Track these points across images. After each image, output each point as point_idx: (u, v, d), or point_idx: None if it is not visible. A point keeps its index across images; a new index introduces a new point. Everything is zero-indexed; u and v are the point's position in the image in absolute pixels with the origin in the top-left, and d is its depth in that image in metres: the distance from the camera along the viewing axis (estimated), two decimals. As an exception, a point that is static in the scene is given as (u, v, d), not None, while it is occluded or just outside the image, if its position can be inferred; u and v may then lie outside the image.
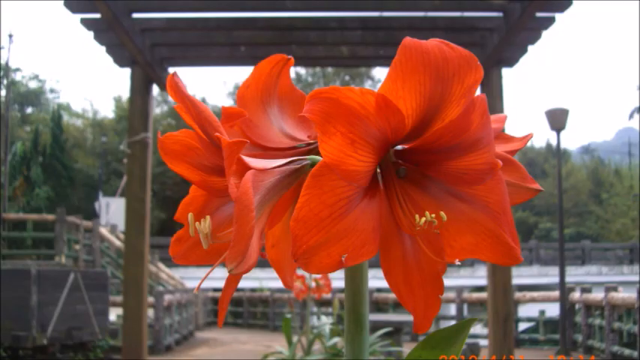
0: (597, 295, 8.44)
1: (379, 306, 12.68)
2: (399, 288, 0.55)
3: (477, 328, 8.82)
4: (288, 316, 4.35)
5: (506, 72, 7.72)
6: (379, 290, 12.62)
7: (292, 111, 0.67)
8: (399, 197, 0.55)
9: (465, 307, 11.55)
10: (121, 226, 8.80)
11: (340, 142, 0.48)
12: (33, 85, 36.09)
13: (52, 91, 37.87)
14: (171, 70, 3.40)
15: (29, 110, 35.74)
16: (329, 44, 5.45)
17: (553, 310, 10.05)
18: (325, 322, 4.79)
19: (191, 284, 14.40)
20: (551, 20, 4.74)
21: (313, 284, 4.18)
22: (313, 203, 0.48)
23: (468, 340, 5.58)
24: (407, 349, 4.41)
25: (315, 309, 11.19)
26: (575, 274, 19.23)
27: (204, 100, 20.15)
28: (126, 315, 5.27)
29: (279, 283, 1.29)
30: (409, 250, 0.55)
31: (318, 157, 0.56)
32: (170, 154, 0.61)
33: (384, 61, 5.69)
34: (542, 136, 45.57)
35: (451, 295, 11.08)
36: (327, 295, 4.96)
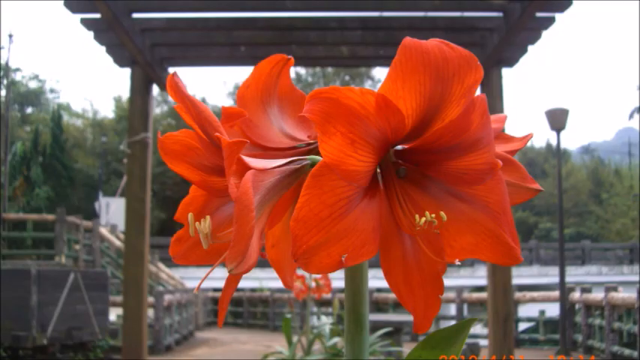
0: (597, 295, 8.44)
1: (379, 306, 12.68)
2: (399, 288, 0.55)
3: (477, 328, 8.82)
4: (288, 316, 4.35)
5: (506, 72, 7.72)
6: (379, 290, 12.62)
7: (292, 111, 0.67)
8: (399, 197, 0.55)
9: (465, 307, 11.55)
10: (121, 226, 8.81)
11: (340, 142, 0.48)
12: (33, 85, 36.11)
13: (52, 91, 37.91)
14: (171, 70, 3.40)
15: (29, 110, 35.74)
16: (329, 44, 5.45)
17: (553, 310, 10.05)
18: (325, 322, 4.79)
19: (191, 284, 14.40)
20: (551, 20, 4.74)
21: (313, 284, 4.18)
22: (313, 203, 0.48)
23: (468, 340, 5.58)
24: (407, 349, 4.41)
25: (315, 309, 11.19)
26: (575, 274, 19.23)
27: (204, 100, 20.15)
28: (126, 315, 5.27)
29: (279, 283, 1.29)
30: (409, 250, 0.55)
31: (318, 157, 0.56)
32: (170, 154, 0.61)
33: (384, 61, 5.69)
34: (542, 136, 45.62)
35: (451, 295, 11.08)
36: (327, 295, 4.96)
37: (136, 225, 5.18)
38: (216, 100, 40.63)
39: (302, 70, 32.11)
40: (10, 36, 21.57)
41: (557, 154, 9.58)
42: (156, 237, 18.45)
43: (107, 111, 44.46)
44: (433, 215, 0.52)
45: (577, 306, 9.22)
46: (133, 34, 4.74)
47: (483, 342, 6.52)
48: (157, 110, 30.17)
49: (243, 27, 5.20)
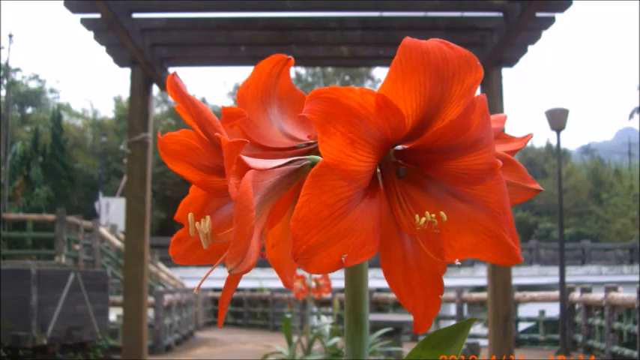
0: (597, 295, 8.44)
1: (379, 306, 12.68)
2: (399, 288, 0.55)
3: (477, 328, 8.82)
4: (288, 316, 4.35)
5: (506, 72, 7.72)
6: (379, 290, 12.62)
7: (292, 111, 0.67)
8: (399, 197, 0.55)
9: (465, 307, 11.55)
10: (121, 226, 8.80)
11: (340, 142, 0.48)
12: (33, 85, 36.11)
13: (52, 91, 37.91)
14: (171, 70, 3.39)
15: (29, 110, 35.75)
16: (329, 44, 5.45)
17: (553, 310, 10.05)
18: (325, 322, 4.79)
19: (191, 284, 14.40)
20: (551, 20, 4.75)
21: (313, 284, 4.18)
22: (313, 203, 0.48)
23: (468, 340, 5.58)
24: (407, 349, 4.41)
25: (315, 309, 11.19)
26: (575, 274, 19.24)
27: (204, 100, 20.15)
28: (126, 315, 5.27)
29: (279, 283, 1.29)
30: (409, 250, 0.55)
31: (318, 157, 0.56)
32: (170, 154, 0.61)
33: (384, 61, 5.69)
34: (542, 136, 45.63)
35: (451, 295, 11.08)
36: (327, 295, 4.97)
37: (136, 225, 5.18)
38: (216, 100, 40.67)
39: (302, 70, 32.13)
40: (10, 36, 21.57)
41: (557, 154, 9.57)
42: (156, 237, 18.45)
43: (107, 111, 44.51)
44: (433, 215, 0.52)
45: (577, 306, 9.22)
46: (133, 34, 4.74)
47: (483, 342, 6.52)
48: (157, 110, 30.17)
49: (243, 27, 5.20)
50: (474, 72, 0.50)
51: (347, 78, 31.04)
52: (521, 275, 18.44)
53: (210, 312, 14.71)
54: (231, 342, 10.93)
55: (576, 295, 9.15)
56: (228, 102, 30.22)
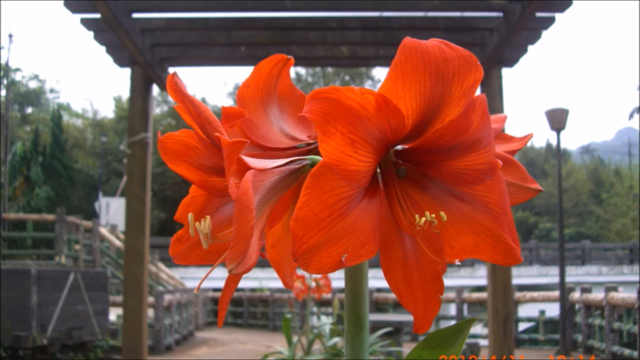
0: (597, 295, 8.44)
1: (379, 306, 12.69)
2: (399, 288, 0.55)
3: (477, 328, 8.82)
4: (288, 316, 4.35)
5: (506, 72, 7.72)
6: (379, 290, 12.62)
7: (292, 111, 0.67)
8: (399, 197, 0.55)
9: (465, 307, 11.56)
10: (121, 226, 8.81)
11: (340, 142, 0.48)
12: (33, 85, 36.10)
13: (52, 91, 37.89)
14: (171, 70, 3.39)
15: (29, 110, 35.74)
16: (329, 44, 5.44)
17: (553, 310, 10.05)
18: (325, 322, 4.79)
19: (191, 284, 14.40)
20: (551, 20, 4.75)
21: (313, 284, 4.18)
22: (313, 203, 0.48)
23: (468, 340, 5.58)
24: (407, 349, 4.41)
25: (315, 309, 11.19)
26: (575, 274, 19.24)
27: (204, 100, 20.16)
28: (126, 315, 5.27)
29: (279, 283, 1.30)
30: (409, 250, 0.55)
31: (318, 157, 0.56)
32: (170, 154, 0.60)
33: (384, 61, 5.69)
34: (542, 136, 45.72)
35: (451, 295, 11.08)
36: (327, 295, 4.97)
37: (136, 225, 5.18)
38: (216, 100, 40.68)
39: (302, 70, 32.11)
40: (10, 36, 21.58)
41: (557, 154, 9.57)
42: (156, 237, 18.46)
43: (107, 111, 44.54)
44: (433, 215, 0.52)
45: (577, 306, 9.22)
46: (133, 34, 4.74)
47: (483, 342, 6.52)
48: (157, 110, 30.18)
49: (243, 27, 5.19)
50: (474, 72, 0.50)
51: (347, 78, 31.04)
52: (521, 275, 18.45)
53: (210, 312, 14.71)
54: (231, 342, 10.93)
55: (576, 295, 9.15)
56: (228, 102, 30.22)
